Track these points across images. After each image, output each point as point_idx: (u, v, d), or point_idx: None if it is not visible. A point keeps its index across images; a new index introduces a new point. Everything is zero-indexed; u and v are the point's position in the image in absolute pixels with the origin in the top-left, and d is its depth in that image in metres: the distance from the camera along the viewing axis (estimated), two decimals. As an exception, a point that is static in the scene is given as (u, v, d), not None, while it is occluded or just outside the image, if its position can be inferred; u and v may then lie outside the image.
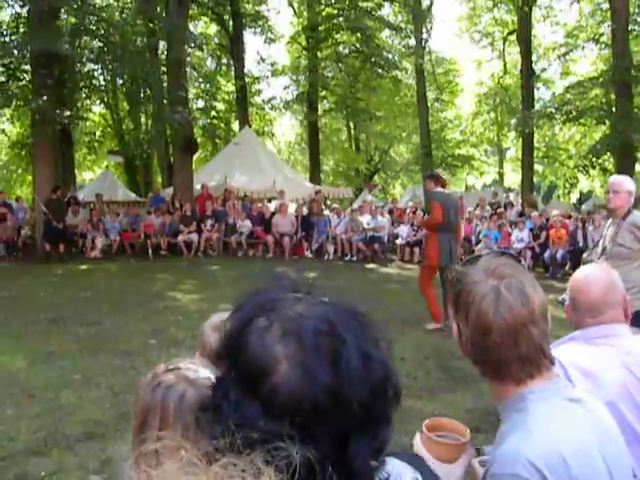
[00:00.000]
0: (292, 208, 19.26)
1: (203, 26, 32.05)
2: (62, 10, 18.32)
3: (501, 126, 35.90)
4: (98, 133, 30.33)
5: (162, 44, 23.70)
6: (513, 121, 30.07)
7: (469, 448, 1.64)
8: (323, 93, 29.54)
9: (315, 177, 27.91)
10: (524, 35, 25.40)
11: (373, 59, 25.22)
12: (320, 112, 30.79)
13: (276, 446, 0.80)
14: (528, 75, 25.42)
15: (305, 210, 18.81)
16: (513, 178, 41.55)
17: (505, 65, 33.47)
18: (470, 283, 1.53)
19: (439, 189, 8.67)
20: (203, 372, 1.56)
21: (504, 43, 32.44)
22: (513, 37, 29.12)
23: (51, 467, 4.16)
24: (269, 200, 20.87)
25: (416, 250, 16.68)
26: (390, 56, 26.54)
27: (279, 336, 0.90)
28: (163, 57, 22.42)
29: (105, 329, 8.23)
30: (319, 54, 27.57)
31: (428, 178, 8.99)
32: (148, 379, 1.53)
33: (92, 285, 12.04)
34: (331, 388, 0.86)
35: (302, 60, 29.59)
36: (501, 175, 41.87)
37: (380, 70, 25.73)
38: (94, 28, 18.56)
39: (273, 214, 17.88)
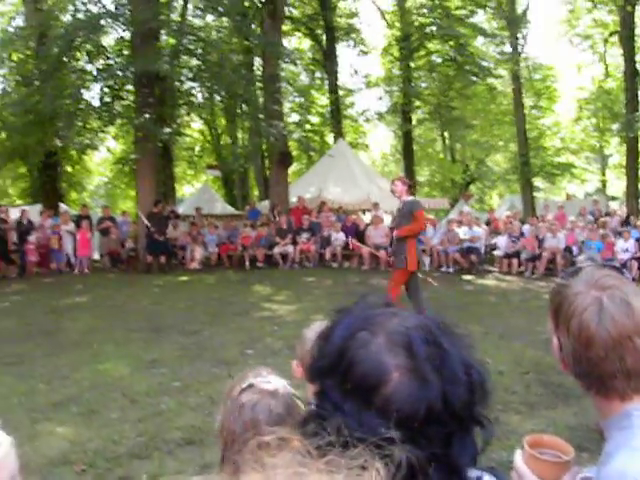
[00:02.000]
0: (387, 219, 19.18)
1: (297, 41, 32.55)
2: (162, 32, 19.02)
3: (603, 132, 34.60)
4: (197, 148, 31.21)
5: (257, 60, 24.20)
6: (616, 126, 28.94)
7: (573, 467, 1.56)
8: (417, 103, 29.32)
9: (410, 188, 27.65)
10: (627, 35, 24.43)
11: (467, 67, 24.85)
12: (414, 122, 30.58)
13: (378, 444, 0.82)
14: (632, 77, 24.37)
15: (400, 221, 18.66)
16: (618, 186, 39.93)
17: (606, 68, 32.30)
18: (571, 295, 1.46)
19: (411, 197, 9.08)
20: (275, 381, 1.57)
21: (605, 45, 31.30)
22: (615, 38, 28.07)
23: (152, 470, 4.28)
24: (363, 212, 20.86)
25: (514, 261, 16.27)
26: (485, 63, 26.09)
27: (386, 348, 0.94)
28: (259, 73, 22.86)
29: (204, 338, 8.42)
30: (412, 64, 27.41)
31: (405, 184, 9.10)
32: (228, 405, 1.55)
33: (191, 296, 12.35)
34: (441, 393, 0.91)
35: (395, 71, 29.49)
36: (604, 183, 40.33)
37: (474, 78, 25.34)
38: (192, 48, 19.12)
39: (367, 226, 17.87)
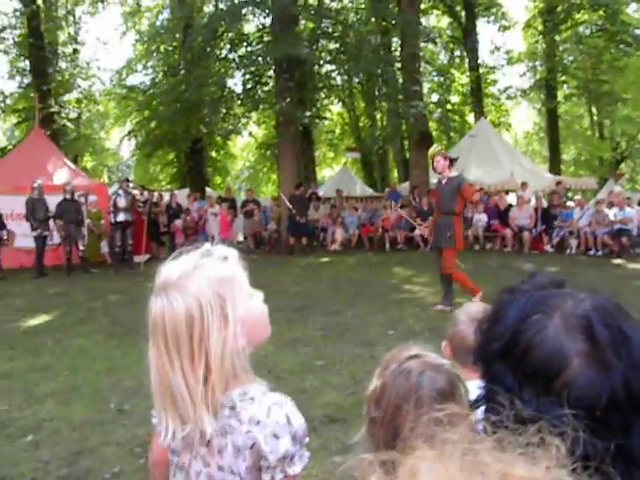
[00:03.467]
0: (531, 200, 18.55)
1: (435, 19, 31.96)
2: (301, 16, 19.26)
3: None
4: (337, 131, 31.45)
5: (396, 41, 24.00)
6: None
7: None
8: (562, 78, 28.04)
9: (555, 167, 26.63)
10: None
11: (619, 37, 23.38)
12: (559, 98, 29.29)
13: (553, 423, 0.78)
14: None
15: (545, 202, 18.03)
16: None
17: None
18: None
19: (455, 173, 8.89)
20: (439, 358, 1.55)
21: None
22: None
23: (297, 446, 4.35)
24: (506, 192, 20.27)
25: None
26: (638, 32, 24.43)
27: (565, 332, 0.90)
28: (397, 53, 22.68)
29: (345, 318, 8.49)
30: (557, 37, 26.20)
31: (447, 159, 8.84)
32: (392, 367, 1.52)
33: (332, 276, 12.49)
34: (624, 380, 0.86)
35: (539, 45, 28.32)
36: None
37: (627, 48, 23.81)
38: (331, 31, 19.27)
39: (510, 207, 17.37)
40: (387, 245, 17.37)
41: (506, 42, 40.82)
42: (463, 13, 27.37)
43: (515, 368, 0.90)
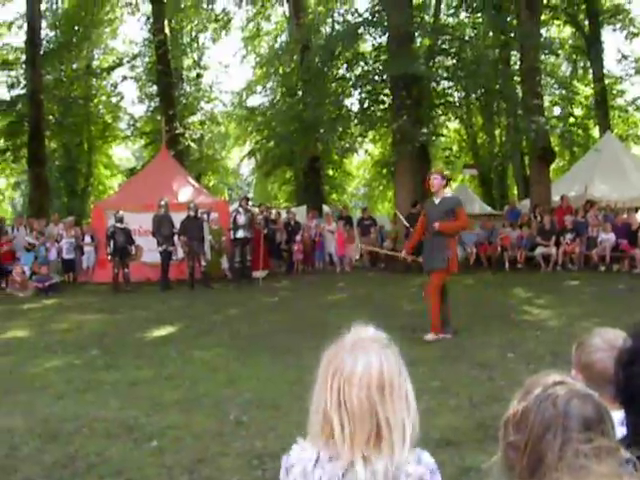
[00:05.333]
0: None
1: (556, 30, 31.02)
2: (417, 34, 19.21)
3: None
4: (454, 148, 31.11)
5: (514, 54, 23.51)
6: None
7: None
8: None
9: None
10: None
11: None
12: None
13: None
14: None
15: (679, 220, 17.02)
16: None
17: None
18: None
19: (450, 193, 8.62)
20: (586, 387, 1.47)
21: None
22: None
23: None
24: (636, 210, 19.31)
25: None
26: None
27: None
28: (516, 67, 22.19)
29: (463, 339, 8.33)
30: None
31: (445, 179, 8.62)
32: (536, 391, 1.45)
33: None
34: None
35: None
36: None
37: None
38: (447, 47, 19.11)
39: (642, 226, 16.51)
40: (506, 265, 16.92)
41: (634, 50, 38.94)
42: (586, 22, 26.45)
43: None
